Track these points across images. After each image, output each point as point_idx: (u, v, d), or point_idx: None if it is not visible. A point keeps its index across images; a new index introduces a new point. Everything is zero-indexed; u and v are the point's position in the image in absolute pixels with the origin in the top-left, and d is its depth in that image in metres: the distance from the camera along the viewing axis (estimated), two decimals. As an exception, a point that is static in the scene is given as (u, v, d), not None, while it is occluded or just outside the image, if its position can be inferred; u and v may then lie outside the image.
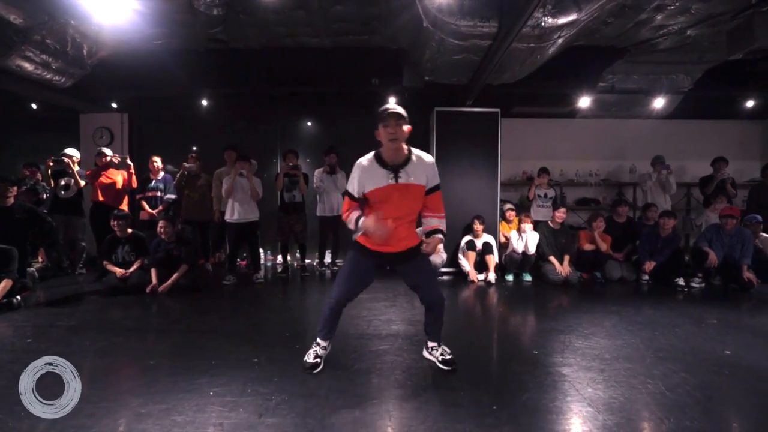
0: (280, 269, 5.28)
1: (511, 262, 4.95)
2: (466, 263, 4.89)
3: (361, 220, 2.01)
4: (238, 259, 5.28)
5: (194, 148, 5.71)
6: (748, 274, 4.26)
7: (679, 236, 4.91)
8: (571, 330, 2.87)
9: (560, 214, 4.82)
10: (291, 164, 4.91)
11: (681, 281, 4.45)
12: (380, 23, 4.34)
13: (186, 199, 5.17)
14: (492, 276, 4.72)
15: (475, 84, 4.66)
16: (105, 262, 4.17)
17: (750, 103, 5.95)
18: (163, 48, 4.89)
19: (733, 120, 6.48)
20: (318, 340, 2.24)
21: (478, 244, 4.90)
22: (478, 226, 4.88)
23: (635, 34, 4.67)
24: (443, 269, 5.11)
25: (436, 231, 2.11)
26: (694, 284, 4.44)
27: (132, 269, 4.11)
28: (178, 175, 5.10)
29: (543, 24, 3.33)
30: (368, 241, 2.07)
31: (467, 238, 5.00)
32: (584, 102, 5.65)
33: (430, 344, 2.30)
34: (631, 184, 6.26)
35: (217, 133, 6.06)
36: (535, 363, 2.29)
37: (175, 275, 4.06)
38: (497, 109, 5.19)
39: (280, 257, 6.09)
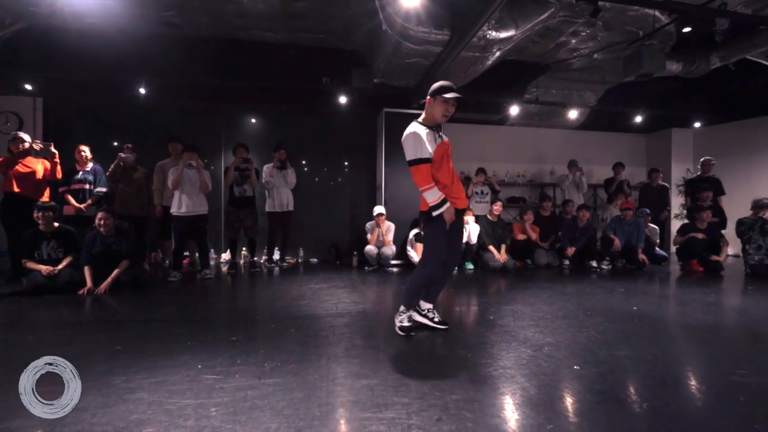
0: (227, 266, 5.12)
1: (467, 250, 5.37)
2: (415, 254, 5.20)
3: (446, 206, 2.20)
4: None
5: (130, 143, 5.29)
6: (642, 256, 5.20)
7: (593, 226, 5.76)
8: (516, 302, 3.29)
9: (497, 207, 5.38)
10: (243, 158, 4.82)
11: (594, 263, 5.26)
12: (338, 23, 4.50)
13: (120, 192, 4.78)
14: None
15: (423, 87, 5.03)
16: (25, 261, 3.71)
17: (638, 119, 7.18)
18: (96, 28, 4.50)
19: (626, 133, 7.75)
20: (410, 312, 2.44)
21: (425, 236, 5.25)
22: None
23: (555, 54, 5.44)
24: (393, 261, 5.37)
25: None
26: (603, 266, 5.28)
27: (61, 266, 3.72)
28: (111, 166, 4.71)
29: (488, 36, 3.79)
30: (457, 201, 2.31)
31: (415, 230, 5.33)
32: (513, 110, 6.36)
33: (425, 306, 2.52)
34: (552, 185, 7.16)
35: (154, 125, 5.67)
36: (494, 325, 2.61)
37: (116, 271, 3.75)
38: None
39: (224, 255, 5.90)
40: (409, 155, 2.21)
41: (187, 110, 5.91)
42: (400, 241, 5.46)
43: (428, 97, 2.27)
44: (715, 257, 5.08)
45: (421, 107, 5.91)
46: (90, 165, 4.66)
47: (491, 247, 5.18)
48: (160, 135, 5.34)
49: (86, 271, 3.71)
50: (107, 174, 4.70)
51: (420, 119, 2.31)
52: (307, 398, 1.57)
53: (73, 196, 4.53)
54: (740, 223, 5.01)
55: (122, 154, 4.67)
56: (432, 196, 2.21)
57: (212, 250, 5.89)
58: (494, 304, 3.26)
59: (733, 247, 5.97)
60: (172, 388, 1.66)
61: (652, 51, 4.85)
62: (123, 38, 4.76)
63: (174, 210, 4.33)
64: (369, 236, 5.33)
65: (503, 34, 3.87)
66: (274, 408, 1.48)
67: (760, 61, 5.13)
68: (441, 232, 2.28)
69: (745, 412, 1.47)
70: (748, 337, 2.47)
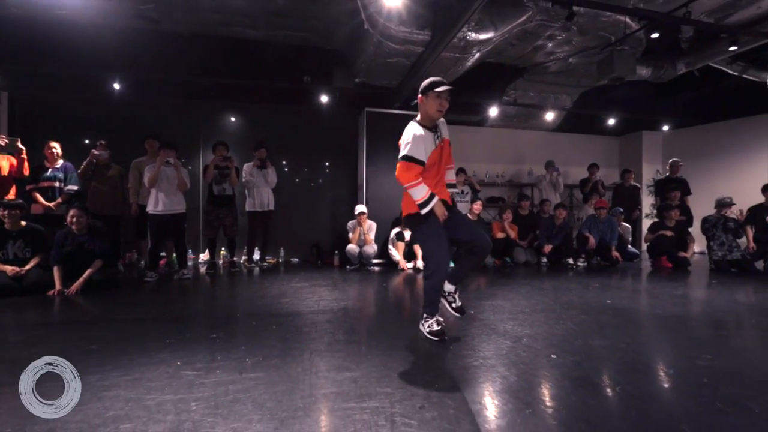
0: (205, 267, 5.02)
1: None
2: (396, 253, 5.24)
3: (435, 200, 2.15)
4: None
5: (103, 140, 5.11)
6: (615, 253, 5.39)
7: (569, 225, 5.93)
8: (495, 297, 3.36)
9: (477, 206, 5.47)
10: (223, 156, 4.75)
11: (570, 261, 5.42)
12: (319, 22, 4.50)
13: (93, 190, 4.63)
14: (420, 263, 5.13)
15: (404, 87, 5.08)
16: (-12, 262, 3.55)
17: (611, 122, 7.45)
18: (68, 19, 4.35)
19: (600, 135, 8.02)
20: (437, 317, 2.27)
21: (407, 235, 5.29)
22: (406, 219, 5.27)
23: (532, 57, 5.59)
24: (375, 260, 5.39)
25: (451, 185, 2.40)
26: (579, 263, 5.44)
27: (29, 266, 3.57)
28: (84, 164, 4.55)
29: (468, 37, 3.87)
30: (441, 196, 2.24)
31: (396, 229, 5.37)
32: (492, 112, 6.49)
33: (447, 288, 2.40)
34: (530, 185, 7.33)
35: (129, 122, 5.51)
36: (474, 319, 2.66)
37: (89, 271, 3.63)
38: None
39: (202, 255, 5.78)
40: (405, 151, 2.12)
41: (165, 107, 5.77)
42: (382, 240, 5.48)
43: (420, 95, 2.19)
44: (682, 253, 5.32)
45: (403, 107, 6.00)
46: (60, 162, 4.49)
47: (471, 246, 5.26)
48: (135, 132, 5.19)
49: (55, 271, 3.57)
50: (79, 171, 4.54)
51: (417, 119, 2.21)
52: (290, 391, 1.56)
53: (41, 195, 4.36)
54: (704, 221, 5.26)
55: (95, 151, 4.53)
56: (419, 192, 2.13)
57: (190, 250, 5.76)
58: (474, 299, 3.31)
59: (699, 244, 6.25)
60: (150, 384, 1.62)
61: (624, 56, 5.05)
62: (96, 31, 4.61)
63: (150, 208, 4.22)
64: (350, 235, 5.33)
65: (483, 36, 3.95)
66: (257, 401, 1.47)
67: (721, 68, 5.41)
68: (437, 231, 2.18)
69: (709, 392, 1.56)
70: (712, 325, 2.61)
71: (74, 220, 3.61)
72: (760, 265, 5.11)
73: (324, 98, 5.90)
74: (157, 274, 4.30)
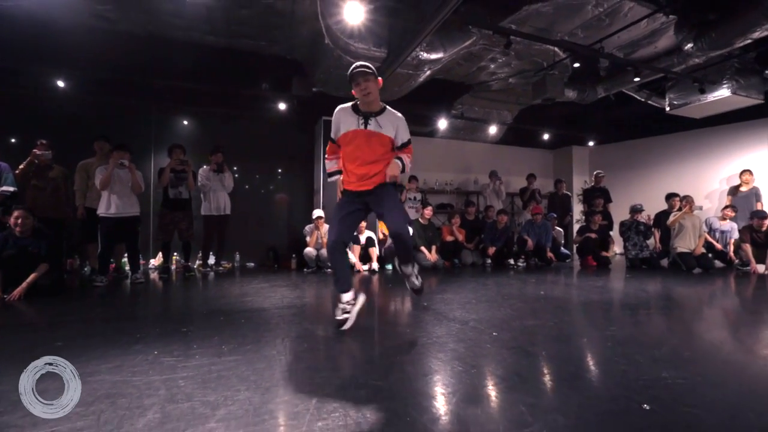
0: (156, 272, 4.91)
1: (390, 253, 5.74)
2: (352, 255, 5.47)
3: (337, 177, 2.40)
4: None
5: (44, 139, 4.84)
6: (549, 254, 6.04)
7: (510, 229, 6.52)
8: (445, 292, 3.71)
9: (428, 211, 5.87)
10: (180, 159, 4.72)
11: (511, 261, 5.98)
12: (280, 33, 4.66)
13: (33, 191, 4.39)
14: (375, 265, 5.42)
15: (361, 98, 5.38)
16: None
17: (546, 137, 8.28)
18: (8, 12, 4.14)
19: (537, 148, 8.87)
20: (340, 296, 2.31)
21: (362, 239, 5.55)
22: (362, 224, 5.54)
23: (477, 76, 6.15)
24: (333, 263, 5.57)
25: (398, 159, 2.32)
26: (519, 263, 6.02)
27: (-38, 272, 3.35)
28: (23, 164, 4.32)
29: (420, 57, 4.25)
30: (349, 184, 2.30)
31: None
32: (442, 124, 6.98)
33: (404, 268, 2.46)
34: (476, 192, 7.93)
35: (74, 121, 5.26)
36: (428, 309, 2.97)
37: (33, 275, 3.47)
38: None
39: (153, 261, 5.63)
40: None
41: (114, 108, 5.57)
42: (340, 244, 5.68)
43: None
44: (604, 253, 6.08)
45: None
46: (-7, 162, 4.22)
47: (423, 248, 5.64)
48: (80, 132, 4.99)
49: (-6, 276, 3.38)
50: (17, 172, 4.30)
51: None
52: (269, 367, 1.74)
53: (-28, 196, 4.07)
54: (621, 224, 6.08)
55: (37, 151, 4.31)
56: (327, 165, 2.51)
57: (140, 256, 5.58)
58: (427, 294, 3.63)
59: (619, 246, 7.14)
60: (133, 369, 1.72)
61: (554, 79, 5.75)
62: (41, 26, 4.40)
63: (102, 211, 4.11)
64: (308, 239, 5.48)
65: (433, 56, 4.36)
66: (240, 376, 1.64)
67: (632, 94, 6.33)
68: (340, 209, 2.32)
69: (611, 353, 1.97)
70: (619, 307, 3.14)
71: (19, 221, 3.45)
72: (665, 262, 6.00)
73: (282, 105, 6.03)
74: (107, 279, 4.17)
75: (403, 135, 2.34)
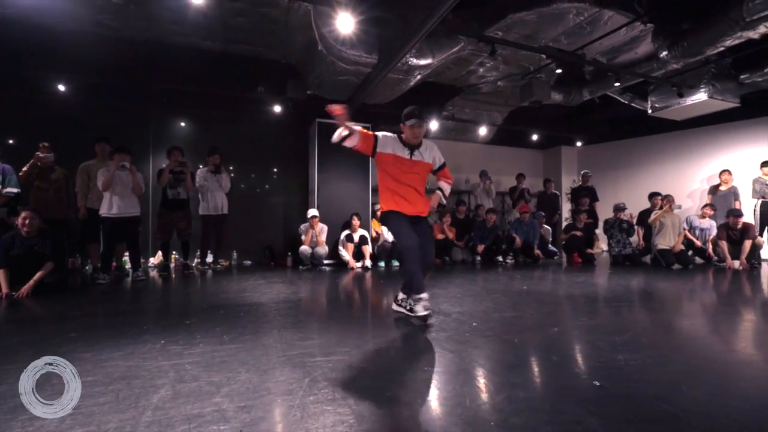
0: (155, 270, 5.07)
1: (383, 251, 5.95)
2: (346, 253, 5.66)
3: (347, 139, 2.51)
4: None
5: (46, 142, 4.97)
6: (537, 251, 6.26)
7: (499, 226, 6.74)
8: (434, 287, 3.90)
9: (420, 211, 6.07)
10: (179, 161, 4.88)
11: (500, 258, 6.19)
12: (275, 39, 4.83)
13: (36, 192, 4.54)
14: (368, 263, 5.61)
15: (353, 101, 5.55)
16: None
17: (535, 137, 8.51)
18: (9, 19, 4.27)
19: (527, 149, 9.09)
20: (421, 295, 2.51)
21: (356, 237, 5.74)
22: (356, 222, 5.73)
23: (467, 79, 6.35)
24: (326, 260, 5.76)
25: (439, 189, 2.82)
26: (507, 260, 6.24)
27: (-29, 273, 3.50)
28: (26, 166, 4.46)
29: (410, 62, 4.44)
30: (396, 206, 2.65)
31: (346, 232, 5.79)
32: (433, 125, 7.18)
33: (400, 297, 2.73)
34: (466, 191, 8.14)
35: (75, 125, 5.39)
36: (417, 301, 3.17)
37: (40, 273, 3.63)
38: (368, 125, 6.21)
39: (152, 259, 5.78)
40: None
41: (113, 111, 5.71)
42: (333, 242, 5.87)
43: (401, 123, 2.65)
44: (589, 250, 6.31)
45: (353, 119, 6.46)
46: (-3, 163, 4.36)
47: (415, 246, 5.84)
48: (81, 135, 5.13)
49: (1, 275, 3.53)
50: (21, 174, 4.44)
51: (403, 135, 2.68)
52: (267, 354, 1.93)
53: (-23, 197, 4.21)
54: (605, 222, 6.31)
55: (40, 154, 4.46)
56: (340, 133, 2.51)
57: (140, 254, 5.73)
58: (417, 289, 3.84)
59: (604, 243, 7.38)
60: (143, 356, 1.90)
61: (541, 83, 5.96)
62: (44, 32, 4.54)
63: (104, 211, 4.27)
64: (303, 237, 5.66)
65: (423, 62, 4.55)
66: (241, 361, 1.83)
67: (616, 96, 6.56)
68: (400, 222, 2.62)
69: (578, 340, 2.18)
70: (595, 301, 3.35)
71: (26, 222, 3.60)
72: (647, 259, 6.24)
73: (277, 108, 6.20)
74: (109, 277, 4.33)
75: (440, 159, 2.84)
